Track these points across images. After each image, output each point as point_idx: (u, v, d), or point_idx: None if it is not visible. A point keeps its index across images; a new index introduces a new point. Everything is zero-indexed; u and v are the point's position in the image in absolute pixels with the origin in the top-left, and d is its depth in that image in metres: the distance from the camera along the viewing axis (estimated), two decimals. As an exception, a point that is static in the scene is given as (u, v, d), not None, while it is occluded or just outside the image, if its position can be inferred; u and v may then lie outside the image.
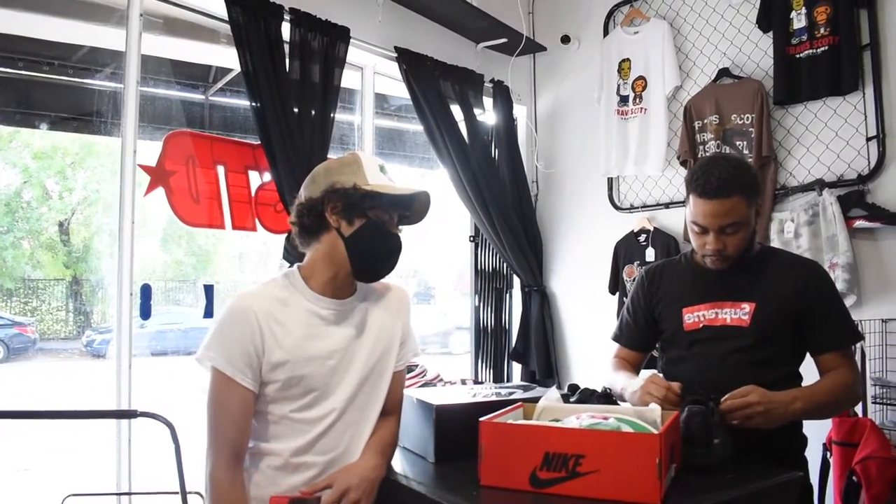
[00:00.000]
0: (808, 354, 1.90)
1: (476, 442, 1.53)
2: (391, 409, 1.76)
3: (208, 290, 2.96)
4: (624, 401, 1.91)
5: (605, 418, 1.55)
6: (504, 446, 1.50)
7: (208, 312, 2.95)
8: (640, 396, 1.75)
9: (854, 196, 2.84)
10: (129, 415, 1.92)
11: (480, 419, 1.54)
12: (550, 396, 1.80)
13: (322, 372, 1.61)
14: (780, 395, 1.68)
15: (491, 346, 4.10)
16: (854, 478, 2.44)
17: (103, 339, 6.22)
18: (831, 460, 2.59)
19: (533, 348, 4.02)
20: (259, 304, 1.59)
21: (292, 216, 1.68)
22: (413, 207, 1.71)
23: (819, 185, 2.93)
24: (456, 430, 1.71)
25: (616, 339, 2.15)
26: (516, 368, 4.16)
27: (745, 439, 1.63)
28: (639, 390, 1.77)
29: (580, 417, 1.57)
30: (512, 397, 1.87)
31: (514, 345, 4.12)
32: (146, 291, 2.75)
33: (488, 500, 1.44)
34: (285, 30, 2.93)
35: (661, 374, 1.88)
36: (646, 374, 1.86)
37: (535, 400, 1.78)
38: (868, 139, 2.86)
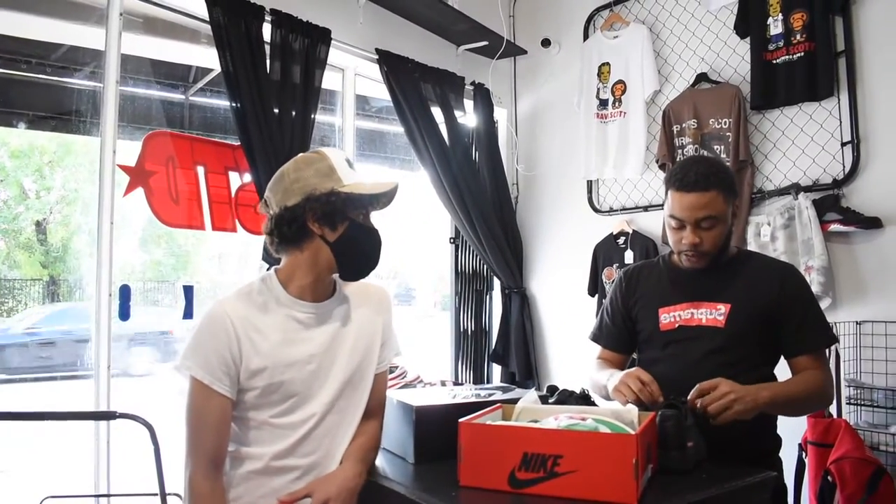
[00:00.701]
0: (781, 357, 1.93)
1: (455, 443, 1.53)
2: (374, 411, 1.75)
3: (188, 290, 2.95)
4: (607, 397, 1.92)
5: (583, 419, 1.56)
6: (483, 447, 1.50)
7: (188, 313, 2.94)
8: (614, 387, 1.78)
9: (829, 200, 2.88)
10: (108, 416, 1.91)
11: (460, 420, 1.55)
12: (528, 398, 1.81)
13: (301, 377, 1.61)
14: (747, 386, 1.69)
15: (471, 347, 4.12)
16: (829, 478, 2.47)
17: (81, 340, 6.17)
18: (806, 461, 2.62)
19: (513, 350, 4.04)
20: (235, 311, 1.58)
21: (269, 226, 1.63)
22: (385, 199, 1.70)
23: (795, 189, 2.97)
24: (435, 431, 1.72)
25: (595, 339, 2.17)
26: (496, 370, 4.17)
27: (720, 441, 1.65)
28: (617, 380, 1.78)
29: (558, 418, 1.58)
30: (491, 399, 1.88)
31: (494, 346, 4.13)
32: (125, 292, 2.73)
33: (467, 501, 1.45)
34: (266, 31, 2.93)
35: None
36: None
37: (515, 401, 1.79)
38: (843, 144, 2.90)
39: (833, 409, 2.70)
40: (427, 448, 1.73)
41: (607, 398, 1.94)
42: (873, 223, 2.76)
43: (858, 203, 2.84)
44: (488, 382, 4.09)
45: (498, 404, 1.77)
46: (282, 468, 1.59)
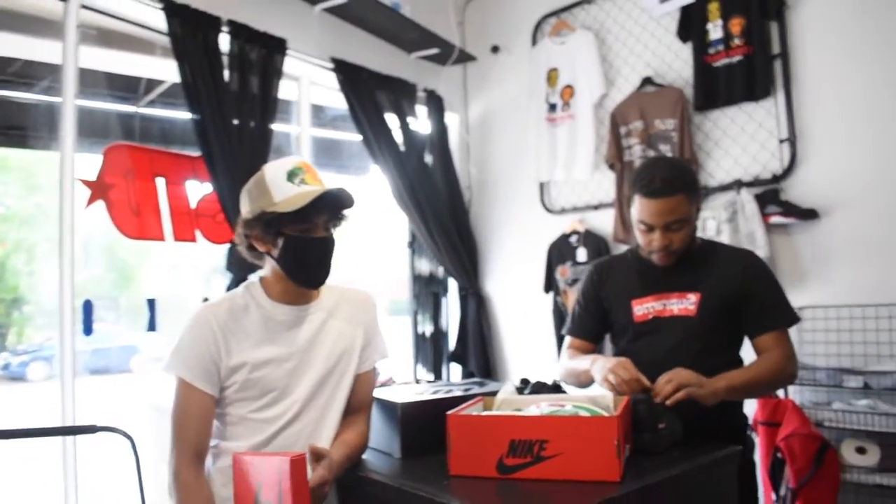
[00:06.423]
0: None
1: (439, 436, 1.61)
2: (357, 408, 1.81)
3: (151, 303, 2.95)
4: (583, 384, 2.02)
5: (563, 406, 1.66)
6: (471, 437, 1.57)
7: (151, 326, 2.94)
8: (604, 375, 1.83)
9: (769, 194, 3.05)
10: (89, 430, 1.91)
11: (448, 412, 1.61)
12: (506, 390, 1.90)
13: (279, 374, 1.69)
14: (707, 379, 1.79)
15: (430, 349, 4.18)
16: (779, 454, 2.63)
17: (21, 362, 6.02)
18: (757, 440, 2.77)
19: (471, 349, 4.12)
20: (217, 313, 1.69)
21: (237, 240, 1.75)
22: (329, 206, 1.66)
23: (737, 184, 3.13)
24: (420, 425, 1.80)
25: (569, 332, 2.23)
26: (454, 370, 4.24)
27: (692, 422, 1.75)
28: (604, 370, 1.84)
29: (540, 406, 1.67)
30: (471, 393, 1.96)
31: (452, 347, 4.21)
32: (88, 308, 2.73)
33: (459, 488, 1.52)
34: (223, 41, 2.96)
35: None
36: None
37: (493, 394, 1.87)
38: (781, 141, 3.08)
39: (780, 390, 2.87)
40: (413, 443, 1.79)
41: (583, 385, 2.03)
42: (811, 214, 2.94)
43: (796, 196, 3.02)
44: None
45: (478, 397, 1.84)
46: None
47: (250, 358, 1.66)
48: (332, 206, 1.67)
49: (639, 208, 1.94)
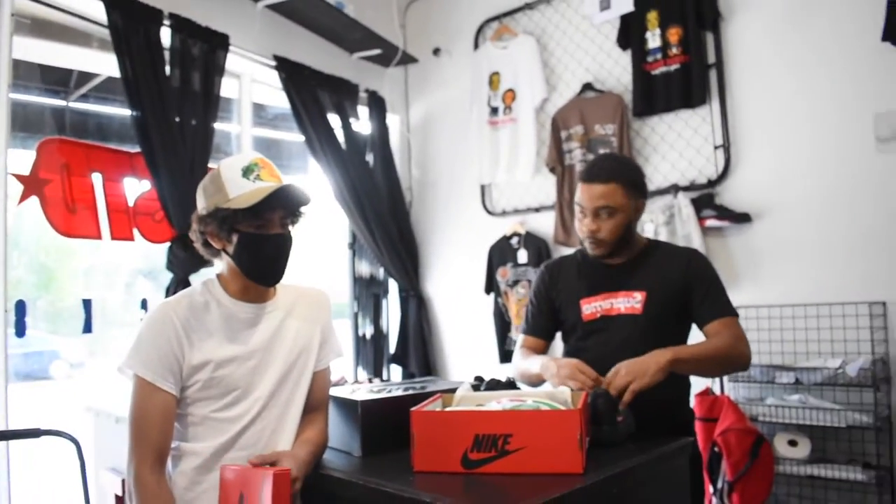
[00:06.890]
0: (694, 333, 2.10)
1: (399, 433, 1.62)
2: (316, 406, 1.80)
3: (87, 304, 2.85)
4: (535, 384, 2.05)
5: (523, 401, 1.68)
6: (435, 433, 1.58)
7: (87, 327, 2.84)
8: (560, 380, 1.86)
9: (705, 198, 3.17)
10: (33, 434, 1.85)
11: (412, 409, 1.62)
12: (464, 387, 1.92)
13: (242, 372, 1.66)
14: (644, 357, 1.80)
15: (370, 351, 4.17)
16: (716, 449, 2.73)
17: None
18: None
19: (412, 350, 4.13)
20: (178, 310, 1.65)
21: (192, 237, 1.73)
22: (283, 202, 1.64)
23: (674, 189, 3.24)
24: (380, 423, 1.80)
25: (523, 331, 2.27)
26: (394, 372, 4.24)
27: (643, 417, 1.80)
28: (559, 372, 1.88)
29: (501, 402, 1.69)
30: (427, 391, 1.96)
31: (393, 349, 4.21)
32: (21, 308, 2.63)
33: (425, 484, 1.52)
34: (165, 35, 2.89)
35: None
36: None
37: (450, 391, 1.88)
38: (716, 147, 3.20)
39: (717, 387, 2.98)
40: (373, 440, 1.79)
41: (534, 385, 2.07)
42: (744, 218, 3.06)
43: (730, 200, 3.14)
44: (391, 384, 4.15)
45: (437, 394, 1.85)
46: (221, 462, 1.63)
47: (214, 356, 1.63)
48: (286, 202, 1.65)
49: (577, 192, 2.02)
